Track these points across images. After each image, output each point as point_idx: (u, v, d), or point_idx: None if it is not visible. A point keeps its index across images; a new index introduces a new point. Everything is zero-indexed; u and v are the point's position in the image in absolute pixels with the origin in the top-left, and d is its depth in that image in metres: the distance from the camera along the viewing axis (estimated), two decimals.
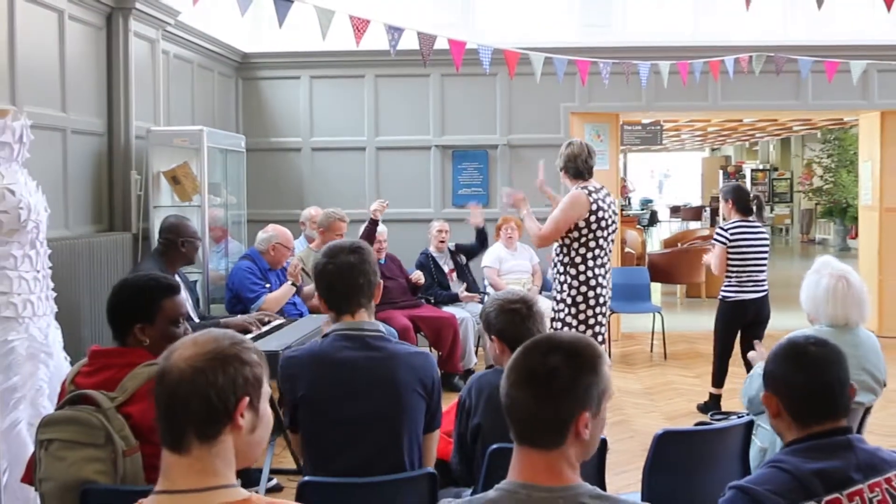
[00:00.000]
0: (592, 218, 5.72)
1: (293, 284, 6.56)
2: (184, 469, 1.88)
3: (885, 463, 2.38)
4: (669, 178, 38.51)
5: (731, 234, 6.87)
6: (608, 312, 6.05)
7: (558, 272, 5.91)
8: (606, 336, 6.24)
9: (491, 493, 2.03)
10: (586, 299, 5.79)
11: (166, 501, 1.87)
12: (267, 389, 1.99)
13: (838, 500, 2.27)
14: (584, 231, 5.74)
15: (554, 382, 2.00)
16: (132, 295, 3.26)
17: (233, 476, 1.92)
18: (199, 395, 1.86)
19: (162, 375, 1.90)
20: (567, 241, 5.81)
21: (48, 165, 5.96)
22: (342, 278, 3.20)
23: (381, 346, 3.20)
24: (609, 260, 5.95)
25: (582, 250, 5.78)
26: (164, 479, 1.90)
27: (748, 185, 26.68)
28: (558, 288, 5.92)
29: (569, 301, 5.81)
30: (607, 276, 5.90)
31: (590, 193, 5.78)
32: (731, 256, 6.86)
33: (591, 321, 5.81)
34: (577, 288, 5.78)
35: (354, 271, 3.20)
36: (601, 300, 5.82)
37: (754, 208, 7.07)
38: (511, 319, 3.41)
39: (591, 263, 5.80)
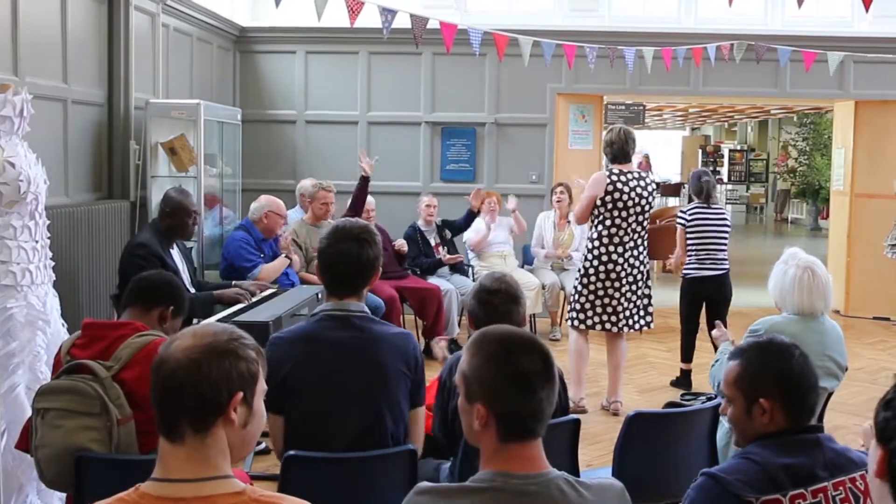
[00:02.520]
0: (608, 198, 6.36)
1: (286, 257, 6.80)
2: (180, 459, 1.89)
3: (852, 463, 2.44)
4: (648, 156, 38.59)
5: (690, 216, 7.31)
6: (636, 289, 6.52)
7: (585, 245, 6.69)
8: (644, 308, 6.63)
9: (468, 483, 2.06)
10: (597, 272, 6.44)
11: (162, 489, 1.86)
12: (263, 386, 2.00)
13: (803, 495, 2.35)
14: (602, 209, 6.41)
15: (552, 380, 2.12)
16: (175, 283, 3.60)
17: (228, 468, 1.92)
18: (192, 386, 1.87)
19: (160, 364, 1.91)
20: (592, 218, 6.53)
21: (49, 134, 6.10)
22: (340, 264, 3.23)
23: (366, 327, 3.22)
24: (634, 240, 6.43)
25: (600, 227, 6.46)
26: (161, 467, 1.90)
27: (725, 165, 27.07)
28: (581, 258, 6.74)
29: (582, 271, 6.56)
30: (627, 254, 6.41)
31: (610, 174, 6.40)
32: (689, 236, 7.28)
33: (601, 292, 6.47)
34: (591, 261, 6.48)
35: (353, 260, 3.20)
36: (612, 276, 6.41)
37: (704, 194, 7.40)
38: (483, 309, 3.47)
39: (605, 241, 6.42)
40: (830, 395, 4.42)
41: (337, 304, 3.25)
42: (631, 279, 6.46)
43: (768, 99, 12.17)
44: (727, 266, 7.37)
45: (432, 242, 8.77)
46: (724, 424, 4.05)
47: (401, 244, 8.31)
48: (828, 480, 2.40)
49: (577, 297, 6.58)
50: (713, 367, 4.46)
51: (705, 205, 7.36)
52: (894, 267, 9.72)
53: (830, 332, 4.27)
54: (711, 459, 3.79)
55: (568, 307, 7.30)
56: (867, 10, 4.97)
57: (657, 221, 7.12)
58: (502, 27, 8.17)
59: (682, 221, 7.31)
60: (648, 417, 3.83)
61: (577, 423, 3.55)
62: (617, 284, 6.42)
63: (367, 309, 3.32)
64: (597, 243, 6.46)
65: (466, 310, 3.68)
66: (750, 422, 2.54)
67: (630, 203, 6.37)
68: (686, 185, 25.81)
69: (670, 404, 6.17)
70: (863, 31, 9.83)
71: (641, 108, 12.08)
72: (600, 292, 6.46)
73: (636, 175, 6.46)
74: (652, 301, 6.70)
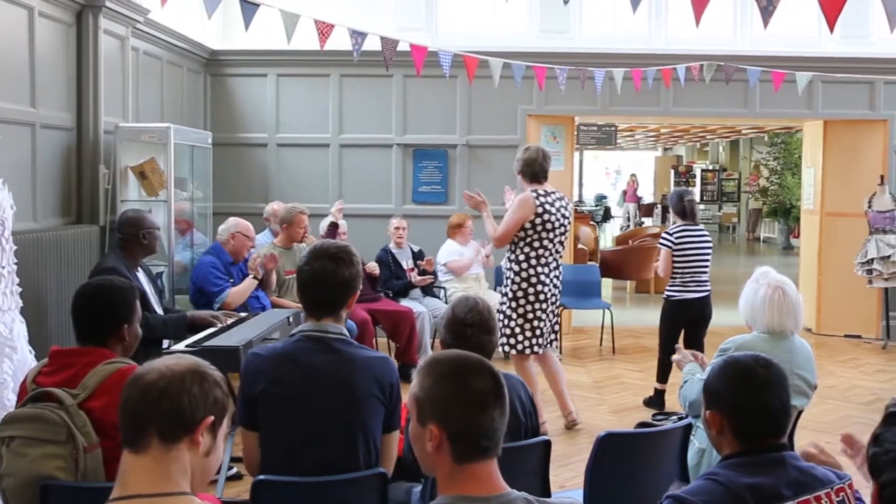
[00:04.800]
0: (538, 220, 6.28)
1: (254, 278, 6.76)
2: (141, 471, 1.90)
3: (817, 481, 2.45)
4: (621, 176, 38.88)
5: (676, 238, 7.19)
6: (555, 309, 6.53)
7: (506, 268, 6.48)
8: (553, 330, 6.63)
9: None
10: (526, 295, 6.35)
11: None
12: (226, 427, 2.06)
13: None
14: (530, 231, 6.30)
15: (503, 399, 2.13)
16: (118, 297, 3.41)
17: (187, 486, 1.95)
18: (172, 396, 1.92)
19: (139, 376, 1.96)
20: (515, 240, 6.37)
21: (17, 159, 6.05)
22: (315, 285, 3.25)
23: (343, 350, 3.23)
24: (556, 260, 6.44)
25: (526, 249, 6.35)
26: (120, 485, 1.92)
27: (698, 185, 27.29)
28: (505, 282, 6.50)
29: (510, 295, 6.41)
30: (552, 274, 6.41)
31: (538, 196, 6.31)
32: (675, 258, 7.17)
33: (530, 315, 6.39)
34: (519, 284, 6.36)
35: (329, 279, 3.22)
36: (542, 297, 6.36)
37: (690, 214, 7.37)
38: (456, 341, 3.44)
39: (533, 262, 6.35)
40: (801, 413, 4.45)
41: (315, 325, 3.26)
42: (553, 299, 6.50)
43: (738, 119, 12.28)
44: (710, 287, 7.34)
45: (404, 265, 8.76)
46: (694, 444, 4.09)
47: (372, 267, 8.29)
48: (792, 499, 2.40)
49: (506, 321, 6.43)
50: (682, 387, 4.47)
51: (692, 225, 7.30)
52: (865, 285, 9.82)
53: (800, 350, 4.30)
54: (682, 479, 3.80)
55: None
56: (832, 30, 5.00)
57: (629, 242, 7.16)
58: (473, 49, 8.21)
59: (669, 243, 7.19)
60: (619, 437, 3.82)
61: (548, 444, 3.54)
62: (544, 306, 6.41)
63: (345, 332, 3.32)
64: (524, 265, 6.35)
65: (439, 339, 3.66)
66: (715, 436, 2.57)
67: (557, 224, 6.37)
68: (658, 206, 26.15)
69: (641, 424, 6.17)
70: (830, 52, 9.95)
71: (613, 128, 12.19)
72: (530, 315, 6.38)
73: (558, 196, 6.48)
74: (557, 324, 6.74)
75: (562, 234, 6.44)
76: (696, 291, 7.22)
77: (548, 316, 6.47)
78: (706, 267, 7.27)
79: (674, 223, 7.48)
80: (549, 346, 6.63)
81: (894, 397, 1.84)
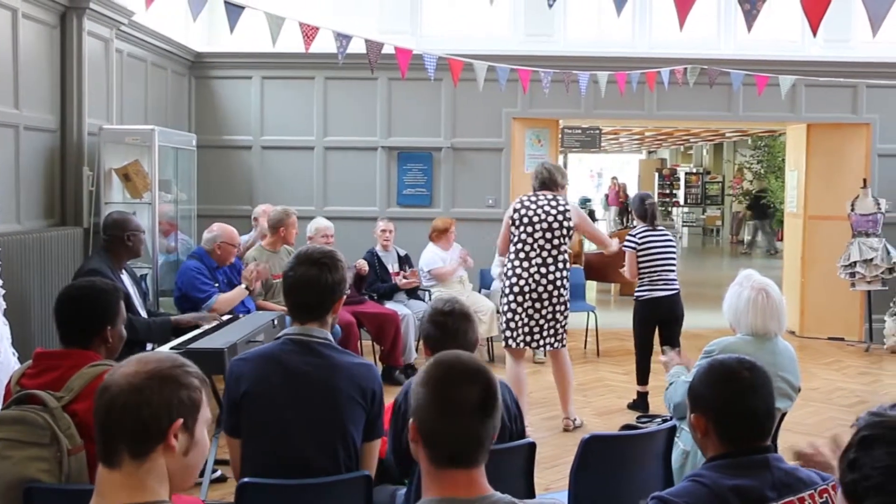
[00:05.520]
0: (516, 216, 6.62)
1: (247, 288, 6.74)
2: (116, 484, 1.89)
3: (801, 483, 2.46)
4: (603, 178, 38.94)
5: (640, 240, 7.32)
6: (532, 303, 6.59)
7: None
8: (551, 328, 6.65)
9: None
10: (511, 289, 6.61)
11: None
12: (206, 415, 2.00)
13: None
14: (513, 229, 6.64)
15: (491, 410, 2.11)
16: (101, 299, 3.40)
17: (165, 494, 1.93)
18: (132, 412, 1.88)
19: (103, 390, 1.92)
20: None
21: (1, 161, 6.05)
22: (299, 290, 3.28)
23: (326, 354, 3.25)
24: (535, 254, 6.57)
25: (512, 248, 6.65)
26: (96, 496, 1.91)
27: (682, 188, 27.38)
28: None
29: (502, 291, 6.76)
30: (531, 269, 6.55)
31: (521, 198, 6.71)
32: (640, 259, 7.30)
33: (505, 308, 6.68)
34: (505, 280, 6.68)
35: (313, 284, 3.25)
36: (515, 290, 6.57)
37: (650, 217, 7.46)
38: (437, 329, 3.51)
39: (512, 257, 6.64)
40: (784, 415, 4.46)
41: (300, 329, 3.28)
42: (535, 296, 6.56)
43: (722, 122, 12.34)
44: (678, 286, 7.42)
45: (390, 268, 8.76)
46: (678, 446, 4.10)
47: (361, 264, 8.32)
48: (776, 501, 2.41)
49: (500, 316, 6.87)
50: (667, 389, 4.50)
51: (651, 227, 7.39)
52: (848, 288, 9.88)
53: (784, 352, 4.32)
54: (666, 481, 3.81)
55: None
56: (815, 33, 5.02)
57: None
58: (457, 52, 8.21)
59: (633, 245, 7.33)
60: (603, 440, 3.83)
61: (533, 446, 3.55)
62: (519, 299, 6.56)
63: (330, 336, 3.34)
64: (508, 263, 6.68)
65: (421, 334, 3.71)
66: (700, 439, 2.58)
67: (536, 219, 6.55)
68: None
69: (626, 427, 6.20)
70: (813, 56, 10.01)
71: (597, 131, 12.18)
72: (505, 307, 6.67)
73: (550, 197, 6.63)
74: (561, 326, 6.69)
75: (545, 229, 6.54)
76: (663, 290, 7.30)
77: (526, 311, 6.57)
78: (672, 266, 7.38)
79: (634, 225, 7.59)
80: (544, 344, 6.68)
81: (862, 417, 1.82)
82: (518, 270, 6.57)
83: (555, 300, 6.60)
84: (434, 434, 2.08)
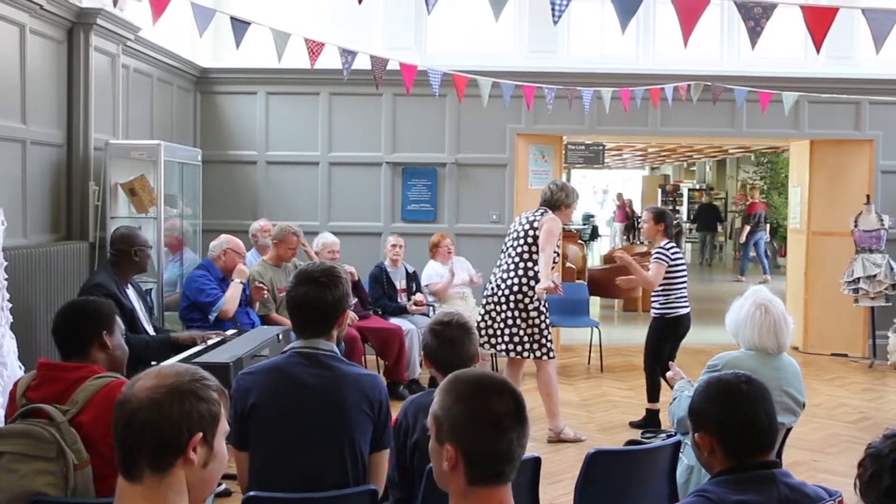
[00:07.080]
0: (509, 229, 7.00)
1: (249, 296, 6.82)
2: (136, 497, 1.90)
3: (808, 498, 2.46)
4: (608, 195, 38.98)
5: (672, 255, 7.22)
6: (494, 306, 6.79)
7: None
8: (496, 327, 6.78)
9: None
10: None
11: None
12: (224, 427, 2.01)
13: None
14: None
15: (524, 422, 2.12)
16: (91, 306, 3.46)
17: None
18: (152, 427, 1.89)
19: (122, 403, 1.93)
20: None
21: (8, 175, 6.08)
22: (301, 309, 3.32)
23: (333, 366, 3.29)
24: (502, 260, 6.86)
25: None
26: None
27: (685, 204, 27.39)
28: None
29: None
30: (498, 273, 6.84)
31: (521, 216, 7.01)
32: (669, 275, 7.19)
33: (480, 310, 6.97)
34: None
35: (315, 303, 3.28)
36: (486, 292, 6.90)
37: (674, 233, 7.50)
38: (436, 339, 3.58)
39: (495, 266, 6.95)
40: (789, 430, 4.46)
41: (306, 343, 3.33)
42: (494, 299, 6.76)
43: (725, 139, 12.35)
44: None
45: (397, 285, 8.74)
46: (683, 461, 4.09)
47: (350, 269, 8.35)
48: None
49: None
50: (671, 404, 4.50)
51: (676, 244, 7.38)
52: (851, 304, 9.88)
53: (788, 367, 4.32)
54: (671, 496, 3.81)
55: None
56: (818, 50, 5.07)
57: (617, 260, 7.19)
58: (462, 68, 8.25)
59: (665, 259, 7.16)
60: (609, 455, 3.82)
61: (538, 461, 3.54)
62: (483, 301, 6.91)
63: (336, 349, 3.38)
64: None
65: (422, 348, 3.74)
66: (706, 458, 2.57)
67: (511, 230, 6.94)
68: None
69: (631, 442, 6.19)
70: (816, 72, 10.03)
71: (601, 147, 12.25)
72: (481, 308, 6.97)
73: (531, 212, 6.88)
74: (527, 336, 6.68)
75: (514, 238, 6.84)
76: (686, 307, 7.29)
77: (489, 313, 6.81)
78: (686, 283, 7.39)
79: (641, 242, 7.59)
80: (503, 349, 6.77)
81: (880, 440, 1.82)
82: (490, 276, 6.91)
83: (512, 305, 6.65)
84: (479, 451, 2.06)
